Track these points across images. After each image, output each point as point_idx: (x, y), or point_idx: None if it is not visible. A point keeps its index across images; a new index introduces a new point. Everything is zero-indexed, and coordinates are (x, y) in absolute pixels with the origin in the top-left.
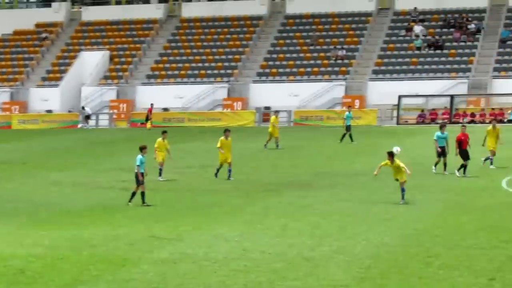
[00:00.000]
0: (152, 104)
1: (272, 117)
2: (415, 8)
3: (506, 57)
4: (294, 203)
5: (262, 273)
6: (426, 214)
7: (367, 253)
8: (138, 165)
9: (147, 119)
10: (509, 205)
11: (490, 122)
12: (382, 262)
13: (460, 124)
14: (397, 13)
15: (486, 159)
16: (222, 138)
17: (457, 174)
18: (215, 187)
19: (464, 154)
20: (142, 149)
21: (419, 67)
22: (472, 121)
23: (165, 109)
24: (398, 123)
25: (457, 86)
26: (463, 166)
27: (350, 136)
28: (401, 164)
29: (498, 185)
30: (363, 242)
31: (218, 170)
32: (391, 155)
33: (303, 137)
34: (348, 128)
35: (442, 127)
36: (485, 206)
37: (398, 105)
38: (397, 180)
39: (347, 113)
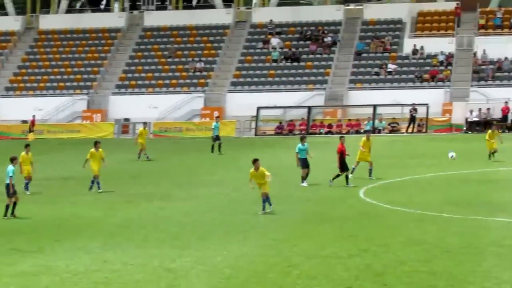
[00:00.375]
0: (34, 116)
1: (140, 129)
2: (271, 20)
3: (362, 69)
4: (155, 214)
5: (124, 284)
6: (286, 224)
7: (227, 263)
8: (10, 176)
9: (30, 130)
10: (366, 215)
11: (366, 134)
12: (242, 272)
13: (339, 135)
14: (254, 25)
15: (370, 172)
16: (93, 150)
17: (330, 183)
18: (76, 199)
19: (343, 165)
20: (13, 160)
21: (277, 79)
22: (329, 132)
23: (24, 121)
24: (256, 134)
25: (314, 97)
26: (339, 176)
27: (212, 147)
28: (267, 173)
29: (356, 195)
30: (223, 252)
31: (95, 182)
32: (255, 162)
33: (163, 149)
34: (216, 138)
35: (302, 139)
36: (343, 216)
37: (257, 116)
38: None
39: (214, 123)
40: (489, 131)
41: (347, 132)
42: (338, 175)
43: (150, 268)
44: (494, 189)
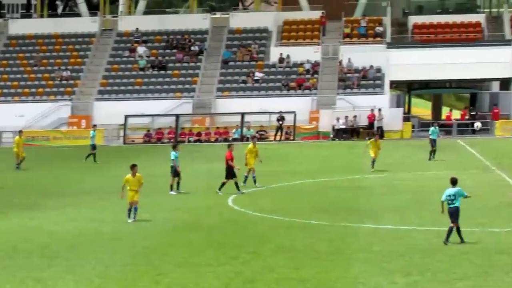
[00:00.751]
0: None
1: (16, 138)
2: (137, 29)
3: (229, 78)
4: (23, 224)
5: None
6: (155, 233)
7: (97, 272)
8: None
9: None
10: (235, 223)
11: (251, 139)
12: (112, 281)
13: (227, 143)
14: (121, 34)
15: (254, 180)
16: None
17: (219, 192)
18: None
19: (230, 172)
20: None
21: (144, 87)
22: (198, 140)
23: None
24: (125, 143)
25: (182, 105)
26: (224, 184)
27: (89, 155)
28: (142, 180)
29: (224, 203)
30: (92, 261)
31: None
32: (133, 167)
33: (31, 158)
34: (93, 147)
35: (175, 146)
36: (212, 224)
37: (125, 124)
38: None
39: (92, 131)
40: (372, 139)
41: (216, 140)
42: (223, 183)
43: (18, 278)
44: (362, 196)
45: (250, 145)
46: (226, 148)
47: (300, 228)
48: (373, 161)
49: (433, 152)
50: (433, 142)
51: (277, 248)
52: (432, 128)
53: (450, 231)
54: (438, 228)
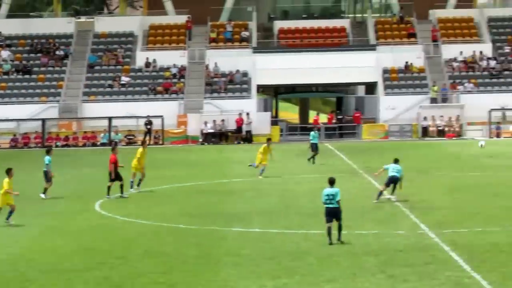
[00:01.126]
0: None
1: None
2: (0, 32)
3: (95, 82)
4: None
5: None
6: (21, 238)
7: None
8: None
9: None
10: (102, 227)
11: (142, 144)
12: None
13: (111, 147)
14: None
15: (138, 183)
16: None
17: (107, 196)
18: None
19: (117, 175)
20: None
21: (9, 91)
22: (66, 145)
23: None
24: None
25: (48, 110)
26: (121, 186)
27: None
28: (6, 187)
29: (92, 207)
30: None
31: None
32: (10, 171)
33: None
34: None
35: (49, 151)
36: (80, 229)
37: None
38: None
39: None
40: (264, 145)
41: (84, 145)
42: (121, 185)
43: None
44: (230, 200)
45: (140, 149)
46: (97, 153)
47: (168, 232)
48: (262, 169)
49: (313, 156)
50: (314, 146)
51: (146, 253)
52: (312, 133)
53: (338, 230)
54: (307, 231)
